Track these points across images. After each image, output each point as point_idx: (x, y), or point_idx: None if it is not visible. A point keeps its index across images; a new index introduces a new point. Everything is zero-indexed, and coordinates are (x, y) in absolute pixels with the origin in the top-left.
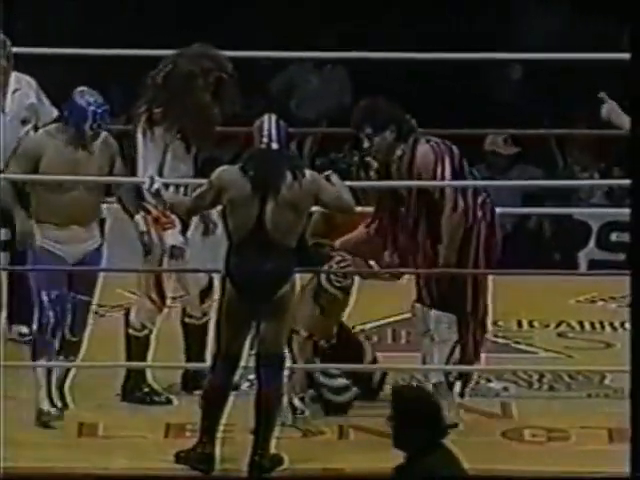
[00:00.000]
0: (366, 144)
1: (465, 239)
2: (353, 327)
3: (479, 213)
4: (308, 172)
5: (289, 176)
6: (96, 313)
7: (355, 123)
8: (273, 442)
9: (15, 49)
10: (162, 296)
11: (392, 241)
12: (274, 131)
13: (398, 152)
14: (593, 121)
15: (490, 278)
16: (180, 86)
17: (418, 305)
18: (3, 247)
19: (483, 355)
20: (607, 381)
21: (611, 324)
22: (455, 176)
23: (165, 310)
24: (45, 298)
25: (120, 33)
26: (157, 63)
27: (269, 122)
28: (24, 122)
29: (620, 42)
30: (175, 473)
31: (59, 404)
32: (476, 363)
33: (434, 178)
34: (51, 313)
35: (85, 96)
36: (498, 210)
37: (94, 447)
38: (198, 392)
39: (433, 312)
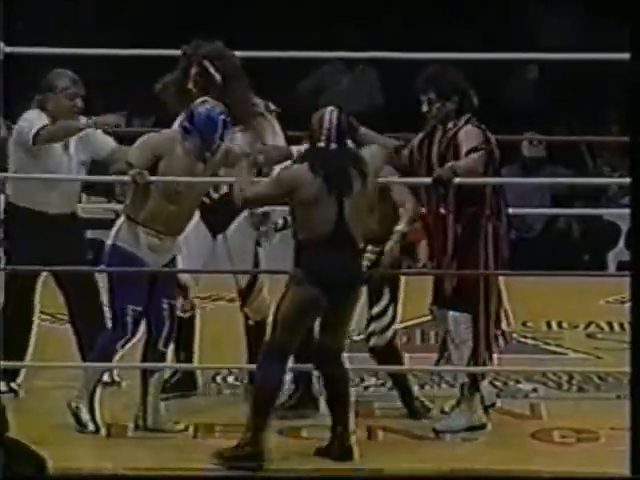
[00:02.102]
0: (424, 108)
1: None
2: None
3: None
4: (367, 158)
5: (357, 173)
6: None
7: (419, 85)
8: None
9: (15, 49)
10: None
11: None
12: (334, 130)
13: (449, 125)
14: (623, 122)
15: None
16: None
17: (434, 307)
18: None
19: (512, 356)
20: None
21: None
22: (491, 165)
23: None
24: (129, 312)
25: (120, 33)
26: (158, 63)
27: (330, 119)
28: (83, 164)
29: (621, 42)
30: (193, 473)
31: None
32: (489, 362)
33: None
34: (130, 328)
35: (210, 105)
36: (527, 210)
37: (123, 447)
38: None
39: (451, 313)
